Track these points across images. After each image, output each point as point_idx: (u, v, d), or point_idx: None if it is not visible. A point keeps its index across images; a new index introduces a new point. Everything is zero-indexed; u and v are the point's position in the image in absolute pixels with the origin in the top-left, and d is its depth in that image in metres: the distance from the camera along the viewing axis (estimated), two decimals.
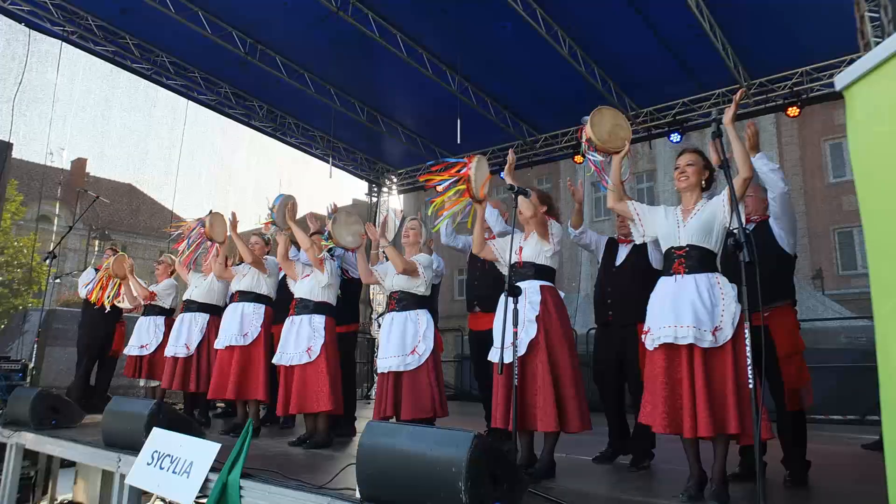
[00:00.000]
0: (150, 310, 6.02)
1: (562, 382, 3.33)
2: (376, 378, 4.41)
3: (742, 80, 7.92)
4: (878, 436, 4.97)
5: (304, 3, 7.22)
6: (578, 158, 9.50)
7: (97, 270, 6.56)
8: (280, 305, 4.97)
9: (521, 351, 3.30)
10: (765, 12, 6.83)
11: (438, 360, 4.13)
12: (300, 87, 8.90)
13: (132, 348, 5.93)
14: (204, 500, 3.17)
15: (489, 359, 3.58)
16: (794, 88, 7.93)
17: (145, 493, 3.75)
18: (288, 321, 4.49)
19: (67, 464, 5.81)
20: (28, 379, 6.05)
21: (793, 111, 7.97)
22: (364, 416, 5.79)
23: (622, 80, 8.50)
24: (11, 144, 7.87)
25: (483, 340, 4.28)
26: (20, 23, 7.80)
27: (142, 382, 6.04)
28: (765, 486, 2.11)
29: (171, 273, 6.18)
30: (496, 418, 3.39)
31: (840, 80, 1.28)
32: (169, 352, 5.41)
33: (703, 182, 3.10)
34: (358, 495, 2.54)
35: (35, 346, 6.60)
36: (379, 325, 10.43)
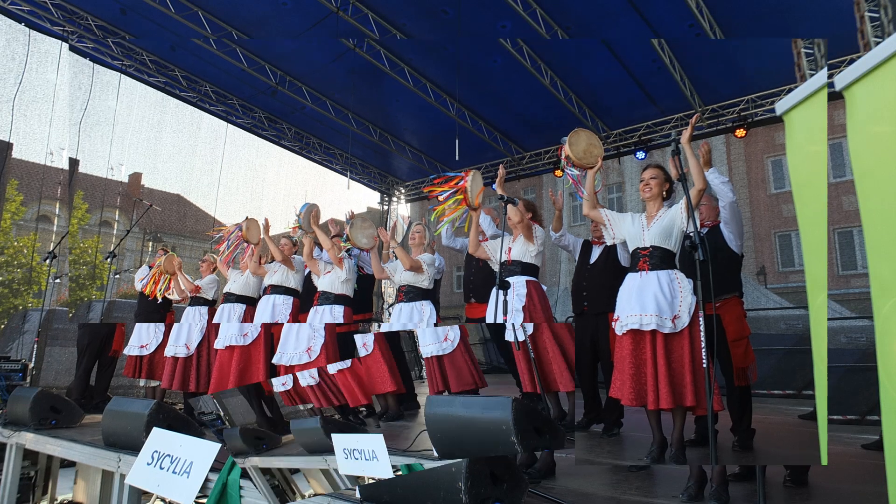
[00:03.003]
0: (196, 301, 6.23)
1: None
2: (423, 362, 4.91)
3: (697, 106, 8.96)
4: (878, 436, 4.97)
5: (326, 41, 8.16)
6: (558, 172, 10.65)
7: (151, 267, 6.64)
8: (305, 297, 5.42)
9: (525, 332, 3.72)
10: (716, 49, 7.92)
11: (468, 342, 4.56)
12: (323, 112, 10.00)
13: (132, 348, 5.95)
14: (204, 500, 3.17)
15: (507, 339, 3.98)
16: (742, 113, 9.04)
17: (145, 493, 3.75)
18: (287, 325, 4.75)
19: (67, 464, 5.80)
20: (28, 379, 6.04)
21: (740, 133, 9.20)
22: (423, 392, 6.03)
23: (595, 106, 9.64)
24: (11, 144, 7.87)
25: (489, 326, 4.83)
26: (20, 23, 7.81)
27: (142, 382, 6.06)
28: (765, 485, 2.12)
29: (214, 270, 6.40)
30: (525, 384, 3.82)
31: (840, 80, 1.29)
32: (169, 352, 5.44)
33: (665, 193, 3.48)
34: (358, 495, 2.62)
35: (35, 346, 6.61)
36: (389, 314, 10.93)
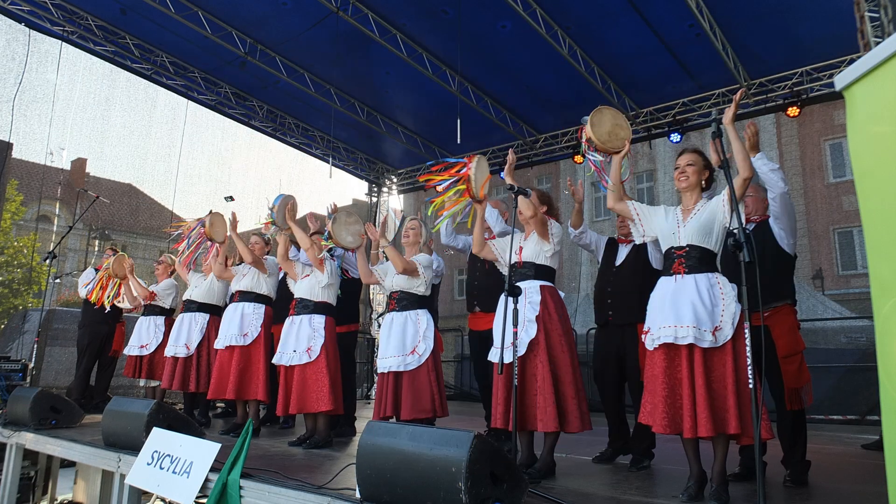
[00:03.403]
0: (151, 310, 6.03)
1: (562, 382, 3.34)
2: (376, 378, 4.42)
3: (742, 80, 7.92)
4: (877, 436, 4.98)
5: (303, 2, 7.23)
6: (578, 159, 9.51)
7: (97, 270, 6.57)
8: (280, 305, 4.97)
9: (521, 351, 3.32)
10: (765, 12, 6.83)
11: (438, 360, 4.13)
12: (300, 86, 8.91)
13: (132, 348, 5.94)
14: (204, 500, 3.17)
15: (489, 359, 3.59)
16: (794, 88, 7.90)
17: (145, 493, 3.75)
18: (288, 321, 4.49)
19: (67, 464, 5.81)
20: (28, 379, 6.05)
21: (793, 111, 7.95)
22: (364, 416, 5.80)
23: (622, 80, 8.49)
24: (11, 144, 7.86)
25: (484, 340, 4.29)
26: (20, 23, 7.81)
27: (142, 382, 6.05)
28: (765, 485, 2.11)
29: (171, 273, 6.19)
30: (496, 418, 3.40)
31: (840, 80, 1.27)
32: (169, 352, 5.43)
33: (703, 182, 3.10)
34: (358, 495, 2.54)
35: (35, 346, 6.61)
36: (379, 325, 10.42)
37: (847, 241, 16.70)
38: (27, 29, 7.87)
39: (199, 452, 3.33)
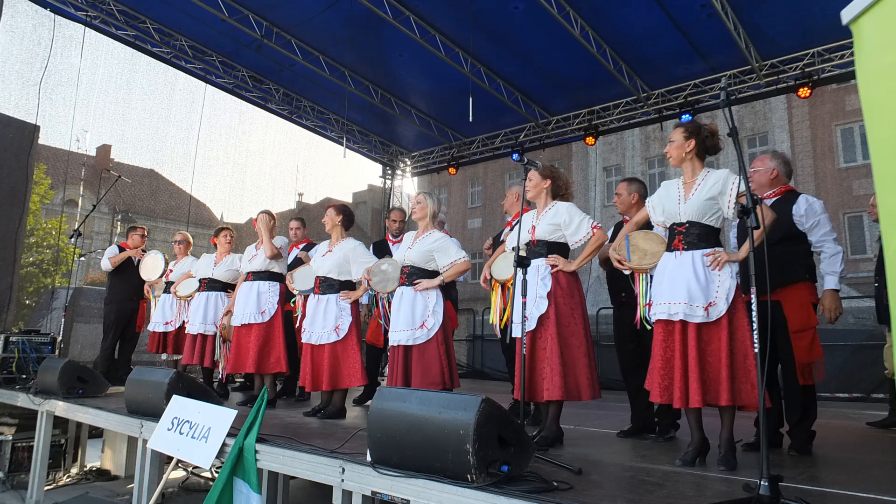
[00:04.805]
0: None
1: (573, 353, 3.37)
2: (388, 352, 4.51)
3: (753, 61, 7.78)
4: (884, 413, 5.03)
5: None
6: (590, 140, 9.47)
7: (121, 248, 6.76)
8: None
9: (531, 325, 3.38)
10: None
11: (449, 335, 4.17)
12: (315, 69, 8.89)
13: (156, 325, 6.11)
14: (221, 464, 3.32)
15: (514, 335, 3.62)
16: (806, 69, 7.77)
17: (168, 460, 3.89)
18: (313, 299, 4.62)
19: (95, 434, 6.07)
20: (57, 352, 6.28)
21: (804, 92, 7.80)
22: None
23: (634, 62, 8.39)
24: (38, 127, 8.04)
25: None
26: (45, 8, 7.95)
27: (164, 356, 6.25)
28: (767, 449, 2.14)
29: (188, 251, 6.52)
30: (515, 389, 3.52)
31: (847, 14, 1.24)
32: (195, 329, 5.59)
33: (696, 150, 3.10)
34: (369, 458, 2.61)
35: (63, 321, 6.83)
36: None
37: (857, 225, 16.57)
38: (52, 14, 8.00)
39: (217, 418, 3.46)
